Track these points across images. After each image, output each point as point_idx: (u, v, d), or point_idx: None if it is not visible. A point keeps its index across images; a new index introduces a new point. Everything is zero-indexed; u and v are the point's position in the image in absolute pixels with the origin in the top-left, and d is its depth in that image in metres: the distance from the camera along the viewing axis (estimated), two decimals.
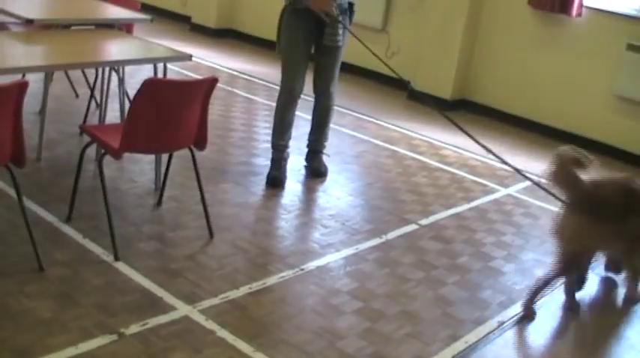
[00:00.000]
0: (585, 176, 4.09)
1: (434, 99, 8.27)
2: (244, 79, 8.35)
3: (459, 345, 3.75)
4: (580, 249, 4.14)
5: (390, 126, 7.38)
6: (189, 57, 5.13)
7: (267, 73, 8.45)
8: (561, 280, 4.28)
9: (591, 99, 7.52)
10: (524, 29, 7.90)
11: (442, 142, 7.04)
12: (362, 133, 7.00)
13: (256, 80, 8.32)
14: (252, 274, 4.14)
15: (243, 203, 5.08)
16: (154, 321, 3.54)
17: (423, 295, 4.21)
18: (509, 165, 4.61)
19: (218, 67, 8.70)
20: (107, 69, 5.61)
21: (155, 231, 4.49)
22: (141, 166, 5.32)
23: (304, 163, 5.78)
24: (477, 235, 5.12)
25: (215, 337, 3.51)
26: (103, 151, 4.20)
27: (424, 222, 5.19)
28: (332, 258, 4.46)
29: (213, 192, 5.06)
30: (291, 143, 5.57)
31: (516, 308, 4.19)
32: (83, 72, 6.59)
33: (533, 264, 4.76)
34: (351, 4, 5.43)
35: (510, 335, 3.96)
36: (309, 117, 5.75)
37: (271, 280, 4.11)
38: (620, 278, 4.61)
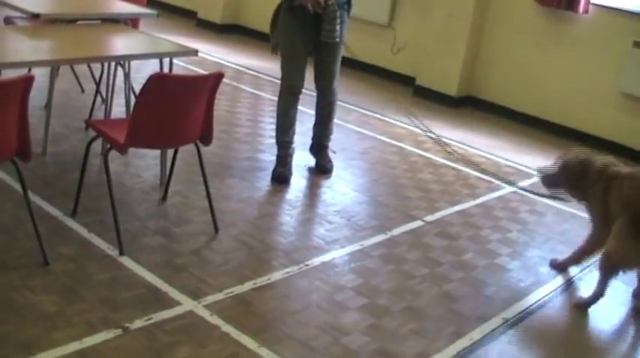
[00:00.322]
0: None
1: (440, 96, 8.29)
2: (250, 75, 8.35)
3: (464, 342, 3.75)
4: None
5: (395, 122, 7.37)
6: (195, 52, 5.12)
7: (273, 68, 8.39)
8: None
9: (597, 96, 7.50)
10: (531, 26, 7.88)
11: (448, 139, 7.02)
12: (367, 129, 6.99)
13: (262, 75, 8.31)
14: (257, 269, 4.14)
15: (249, 198, 5.08)
16: (158, 316, 3.54)
17: (428, 291, 4.21)
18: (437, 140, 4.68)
19: (224, 62, 8.70)
20: (113, 64, 5.61)
21: (160, 226, 4.49)
22: (146, 161, 5.33)
23: (309, 159, 5.77)
24: (483, 232, 5.11)
25: (220, 332, 3.51)
26: (108, 146, 4.20)
27: (429, 218, 5.19)
28: (337, 254, 4.45)
29: (219, 188, 5.06)
30: (296, 138, 5.57)
31: (521, 305, 4.19)
32: (89, 66, 6.59)
33: (538, 261, 4.75)
34: None
35: (515, 332, 3.95)
36: (313, 112, 5.74)
37: (276, 276, 4.11)
38: None
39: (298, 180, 5.50)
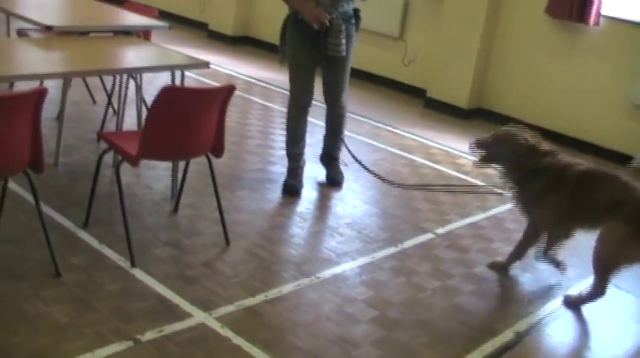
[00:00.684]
0: None
1: (450, 108, 8.29)
2: (260, 86, 8.37)
3: (475, 355, 3.74)
4: None
5: (406, 134, 7.37)
6: (206, 64, 5.14)
7: (283, 80, 8.36)
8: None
9: (609, 108, 7.48)
10: (542, 38, 7.89)
11: (458, 151, 7.02)
12: (378, 141, 6.99)
13: (272, 87, 8.33)
14: (268, 281, 4.14)
15: (259, 210, 5.09)
16: (169, 328, 3.55)
17: (439, 304, 4.20)
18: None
19: (235, 74, 8.72)
20: (125, 75, 5.63)
21: (171, 237, 4.49)
22: (157, 173, 5.34)
23: (320, 171, 5.77)
24: (494, 244, 5.10)
25: (231, 344, 3.51)
26: (120, 158, 4.21)
27: (440, 230, 5.18)
28: (348, 267, 4.45)
29: (229, 199, 5.07)
30: (307, 150, 5.57)
31: (533, 319, 4.17)
32: (101, 78, 6.61)
33: (549, 274, 4.73)
34: (356, 10, 5.36)
35: (527, 345, 3.94)
36: (324, 124, 5.74)
37: (287, 288, 4.11)
38: None
39: (309, 192, 5.50)
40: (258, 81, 8.58)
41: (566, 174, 4.31)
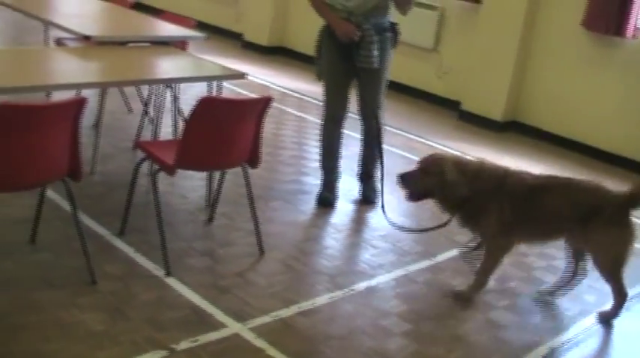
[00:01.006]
0: None
1: (484, 121, 8.26)
2: (295, 97, 8.39)
3: None
4: None
5: (440, 146, 7.35)
6: (242, 76, 5.16)
7: (318, 91, 8.41)
8: None
9: None
10: (577, 51, 7.83)
11: None
12: (413, 154, 6.96)
13: (307, 98, 8.35)
14: (302, 293, 4.14)
15: (293, 221, 5.09)
16: (204, 338, 3.55)
17: (473, 318, 4.17)
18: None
19: (269, 84, 8.76)
20: (161, 85, 5.66)
21: (206, 247, 4.51)
22: (192, 182, 5.36)
23: (355, 184, 5.73)
24: (528, 259, 5.06)
25: (264, 355, 3.51)
26: (157, 167, 4.23)
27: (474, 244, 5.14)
28: (382, 279, 4.44)
29: (263, 210, 5.07)
30: (342, 162, 5.56)
31: (568, 335, 4.14)
32: (137, 87, 6.66)
33: (585, 290, 4.68)
34: (393, 24, 5.27)
35: None
36: (360, 136, 5.71)
37: (321, 300, 4.10)
38: None
39: (343, 204, 5.49)
40: (292, 92, 8.60)
41: (508, 188, 4.19)
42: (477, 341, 3.94)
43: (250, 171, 4.48)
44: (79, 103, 3.55)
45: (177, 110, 5.81)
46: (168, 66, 5.36)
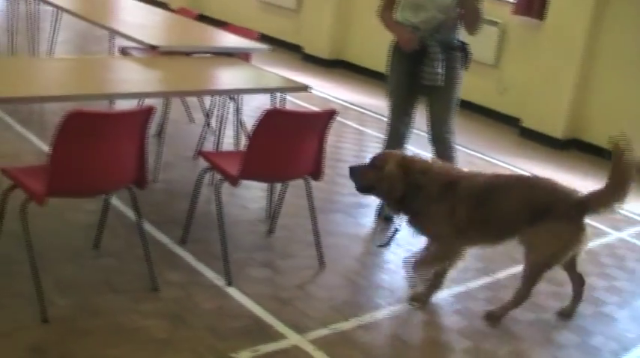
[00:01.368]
0: None
1: (545, 138, 8.17)
2: (355, 111, 8.40)
3: None
4: None
5: (500, 163, 7.29)
6: (305, 88, 5.18)
7: (378, 105, 8.46)
8: None
9: None
10: None
11: None
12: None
13: (367, 112, 8.35)
14: (362, 307, 4.13)
15: (353, 234, 5.09)
16: (264, 348, 3.57)
17: (533, 337, 4.12)
18: None
19: (330, 97, 8.77)
20: (224, 96, 5.71)
21: (266, 258, 4.53)
22: (252, 193, 5.39)
23: None
24: (589, 279, 4.95)
25: None
26: (220, 177, 4.27)
27: None
28: (442, 295, 4.40)
29: (323, 223, 5.05)
30: None
31: (629, 357, 4.06)
32: (199, 97, 6.73)
33: None
34: (464, 44, 5.17)
35: None
36: (428, 154, 5.64)
37: (381, 314, 4.09)
38: None
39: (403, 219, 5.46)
40: (352, 105, 8.61)
41: (461, 190, 4.08)
42: None
43: (311, 183, 4.49)
44: (148, 112, 3.61)
45: (239, 121, 5.85)
46: (232, 77, 5.40)
